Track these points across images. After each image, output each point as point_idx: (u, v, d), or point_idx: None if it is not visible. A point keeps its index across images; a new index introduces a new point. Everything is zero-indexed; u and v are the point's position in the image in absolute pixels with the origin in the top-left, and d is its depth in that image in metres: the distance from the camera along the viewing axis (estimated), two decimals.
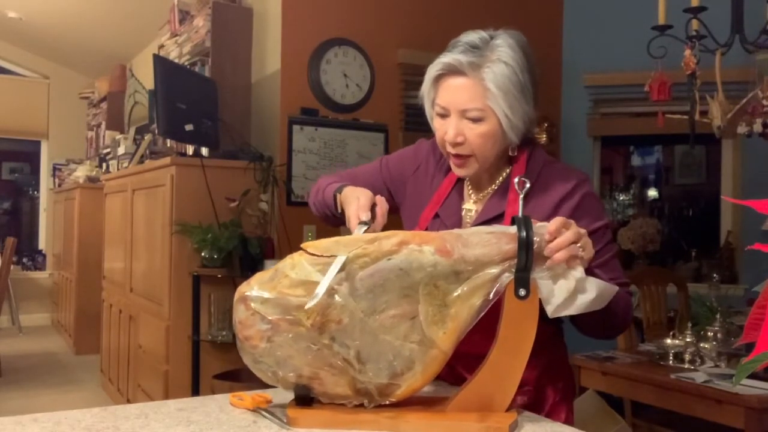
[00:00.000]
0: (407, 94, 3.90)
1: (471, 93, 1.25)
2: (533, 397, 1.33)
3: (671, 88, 2.84)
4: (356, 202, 1.30)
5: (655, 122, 3.10)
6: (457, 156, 1.31)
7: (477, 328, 1.08)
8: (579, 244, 1.08)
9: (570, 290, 1.07)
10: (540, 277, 1.07)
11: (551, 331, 1.37)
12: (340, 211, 1.39)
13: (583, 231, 1.10)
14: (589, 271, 1.15)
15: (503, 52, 1.25)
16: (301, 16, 3.63)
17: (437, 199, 1.41)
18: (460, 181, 1.42)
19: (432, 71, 1.31)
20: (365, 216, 1.26)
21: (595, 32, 4.41)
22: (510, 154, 1.35)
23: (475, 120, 1.26)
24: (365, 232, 1.22)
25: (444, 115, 1.30)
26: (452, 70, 1.27)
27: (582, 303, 1.08)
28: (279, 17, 3.60)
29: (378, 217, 1.29)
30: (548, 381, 1.35)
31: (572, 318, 1.26)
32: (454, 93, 1.27)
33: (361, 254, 1.04)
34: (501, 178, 1.37)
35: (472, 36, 1.28)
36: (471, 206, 1.39)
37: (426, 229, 1.38)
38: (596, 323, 1.26)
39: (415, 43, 3.88)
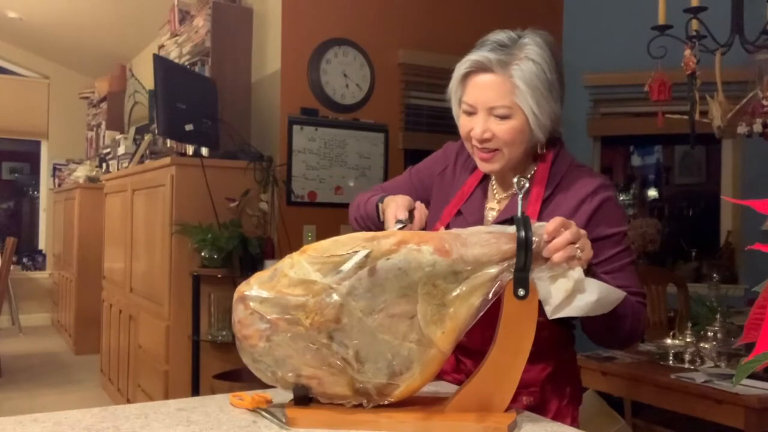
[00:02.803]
0: (407, 94, 3.91)
1: (499, 90, 1.26)
2: (539, 399, 1.32)
3: (671, 88, 2.84)
4: (395, 204, 1.32)
5: (655, 122, 3.10)
6: (483, 150, 1.32)
7: (488, 325, 1.08)
8: (577, 245, 1.08)
9: (568, 291, 1.07)
10: (539, 278, 1.07)
11: (563, 334, 1.37)
12: (382, 219, 1.40)
13: (582, 232, 1.10)
14: (597, 277, 1.15)
15: (531, 50, 1.26)
16: (301, 16, 3.63)
17: (461, 196, 1.42)
18: (485, 180, 1.42)
19: (460, 69, 1.31)
20: (402, 215, 1.28)
21: (595, 32, 4.40)
22: (538, 152, 1.35)
23: (503, 117, 1.27)
24: None
25: (471, 113, 1.31)
26: (480, 68, 1.28)
27: (581, 305, 1.08)
28: (279, 17, 3.60)
29: (416, 220, 1.31)
30: (555, 384, 1.35)
31: (582, 325, 1.26)
32: (482, 90, 1.28)
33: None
34: (527, 177, 1.36)
35: (501, 35, 1.29)
36: (494, 205, 1.40)
37: (448, 225, 1.38)
38: (602, 330, 1.25)
39: (415, 43, 3.89)
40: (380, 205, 1.40)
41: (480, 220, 1.39)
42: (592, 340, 1.32)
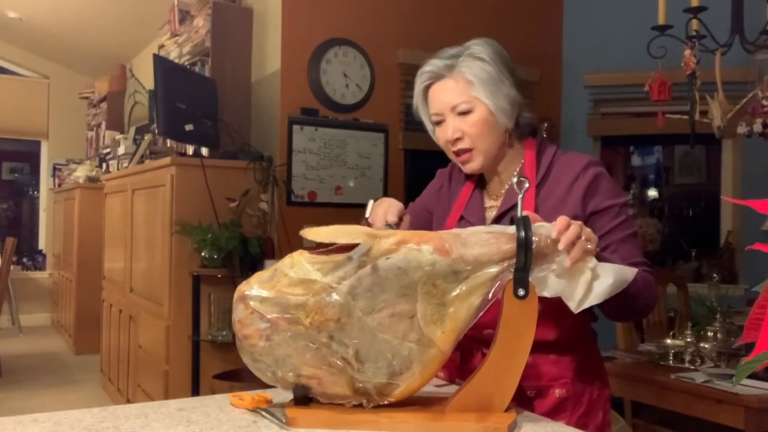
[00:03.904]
0: (407, 94, 3.90)
1: (456, 89, 1.37)
2: (571, 390, 1.34)
3: (671, 88, 2.84)
4: (387, 204, 1.37)
5: (655, 122, 3.10)
6: (460, 152, 1.39)
7: None
8: (584, 237, 1.09)
9: (587, 281, 1.08)
10: (553, 276, 1.07)
11: (586, 324, 1.40)
12: (367, 216, 1.43)
13: (579, 223, 1.11)
14: (601, 258, 1.16)
15: (474, 50, 1.38)
16: (301, 16, 3.63)
17: (460, 203, 1.49)
18: (480, 184, 1.48)
19: (418, 84, 1.43)
20: (392, 219, 1.33)
21: (595, 32, 4.40)
22: (507, 139, 1.41)
23: (466, 112, 1.36)
24: None
25: (440, 122, 1.41)
26: (435, 77, 1.39)
27: (600, 291, 1.09)
28: (279, 17, 3.60)
29: (403, 227, 1.35)
30: (585, 376, 1.37)
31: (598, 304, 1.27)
32: (441, 96, 1.39)
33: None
34: (516, 171, 1.43)
35: (450, 49, 1.41)
36: (493, 203, 1.45)
37: None
38: (618, 307, 1.26)
39: (415, 43, 3.88)
40: (371, 202, 1.44)
41: (481, 221, 1.42)
42: (608, 317, 1.33)
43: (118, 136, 5.33)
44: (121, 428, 1.03)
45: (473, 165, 1.40)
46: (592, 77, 4.41)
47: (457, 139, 1.38)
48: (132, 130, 5.12)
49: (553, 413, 1.26)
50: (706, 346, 2.51)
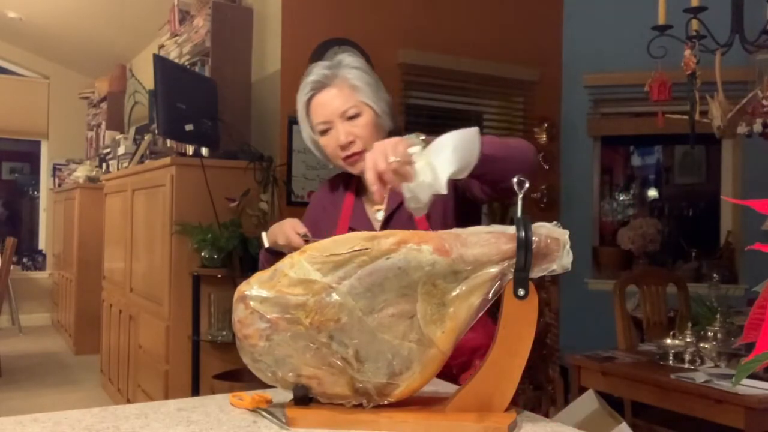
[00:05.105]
0: (407, 94, 3.91)
1: (343, 96, 1.47)
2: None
3: (671, 88, 2.84)
4: (289, 223, 1.46)
5: (655, 122, 3.10)
6: (350, 156, 1.47)
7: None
8: (391, 156, 1.12)
9: (432, 162, 1.13)
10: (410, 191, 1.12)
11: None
12: (268, 245, 1.52)
13: (383, 142, 1.15)
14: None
15: (350, 61, 1.51)
16: (301, 16, 3.63)
17: (345, 216, 1.55)
18: (359, 194, 1.56)
19: (302, 96, 1.50)
20: (303, 229, 1.41)
21: (595, 32, 4.40)
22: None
23: (355, 116, 1.46)
24: None
25: (327, 130, 1.48)
26: (319, 87, 1.47)
27: (449, 157, 1.13)
28: (279, 17, 3.60)
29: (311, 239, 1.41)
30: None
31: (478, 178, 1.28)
32: (329, 103, 1.47)
33: (360, 254, 1.04)
34: None
35: (321, 63, 1.53)
36: (377, 207, 1.52)
37: None
38: (498, 170, 1.25)
39: (415, 43, 3.89)
40: (264, 234, 1.51)
41: (369, 226, 1.49)
42: (496, 181, 1.30)
43: (118, 136, 5.33)
44: (121, 428, 1.03)
45: (362, 164, 1.43)
46: (592, 77, 4.41)
47: (350, 143, 1.45)
48: (132, 130, 5.12)
49: None
50: (706, 346, 2.51)
